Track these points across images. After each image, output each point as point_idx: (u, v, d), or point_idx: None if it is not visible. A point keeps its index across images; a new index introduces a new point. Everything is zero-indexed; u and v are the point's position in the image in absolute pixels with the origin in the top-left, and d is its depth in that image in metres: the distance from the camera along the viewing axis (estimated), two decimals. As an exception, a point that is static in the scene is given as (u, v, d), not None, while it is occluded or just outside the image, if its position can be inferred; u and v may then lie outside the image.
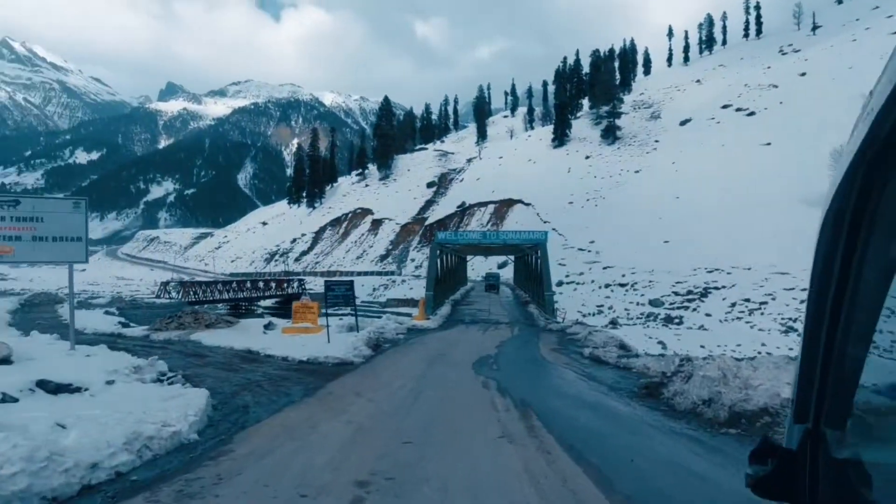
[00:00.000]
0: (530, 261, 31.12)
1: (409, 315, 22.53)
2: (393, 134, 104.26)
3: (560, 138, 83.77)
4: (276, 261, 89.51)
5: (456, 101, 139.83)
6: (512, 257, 45.89)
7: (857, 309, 0.77)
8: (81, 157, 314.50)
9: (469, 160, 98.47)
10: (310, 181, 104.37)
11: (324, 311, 16.37)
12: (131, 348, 12.86)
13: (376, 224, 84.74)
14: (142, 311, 31.24)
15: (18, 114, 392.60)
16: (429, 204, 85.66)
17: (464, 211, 76.29)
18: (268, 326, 16.15)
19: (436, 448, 4.90)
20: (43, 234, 10.53)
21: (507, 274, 52.50)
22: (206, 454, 4.62)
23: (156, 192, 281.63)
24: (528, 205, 68.71)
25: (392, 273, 69.19)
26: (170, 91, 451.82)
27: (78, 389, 5.90)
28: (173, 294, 41.50)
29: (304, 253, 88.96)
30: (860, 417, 0.81)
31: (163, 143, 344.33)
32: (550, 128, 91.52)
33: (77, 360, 9.52)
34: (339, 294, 14.44)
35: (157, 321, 16.74)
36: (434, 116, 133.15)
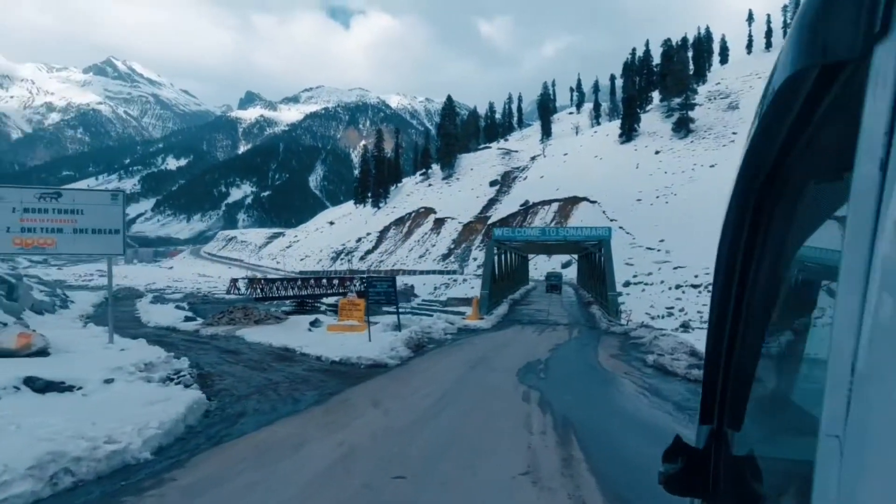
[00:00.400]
0: (594, 259, 29.30)
1: (466, 314, 21.62)
2: (456, 133, 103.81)
3: (628, 133, 79.94)
4: (341, 259, 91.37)
5: (520, 100, 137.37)
6: (575, 256, 43.85)
7: (748, 320, 0.83)
8: (171, 163, 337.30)
9: (533, 158, 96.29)
10: (375, 182, 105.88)
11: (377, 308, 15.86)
12: (176, 343, 12.72)
13: (439, 223, 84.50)
14: (210, 306, 32.17)
15: (120, 126, 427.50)
16: (491, 203, 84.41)
17: (527, 209, 74.45)
18: (314, 324, 15.73)
19: (432, 490, 3.93)
20: (83, 226, 10.47)
21: (571, 274, 50.41)
22: (139, 483, 3.91)
23: (235, 194, 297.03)
24: (593, 202, 65.96)
25: (454, 272, 68.60)
26: (248, 99, 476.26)
27: (70, 388, 5.41)
28: (242, 290, 42.82)
29: (368, 252, 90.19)
30: (753, 417, 0.85)
31: (242, 149, 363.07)
32: (618, 122, 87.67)
33: (110, 353, 9.27)
34: (380, 291, 13.73)
35: (211, 316, 16.75)
36: (498, 115, 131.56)
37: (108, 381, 5.82)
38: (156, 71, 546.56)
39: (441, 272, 69.31)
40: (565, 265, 56.42)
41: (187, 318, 21.45)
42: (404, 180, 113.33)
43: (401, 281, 66.53)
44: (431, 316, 18.30)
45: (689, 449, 0.94)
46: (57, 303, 25.53)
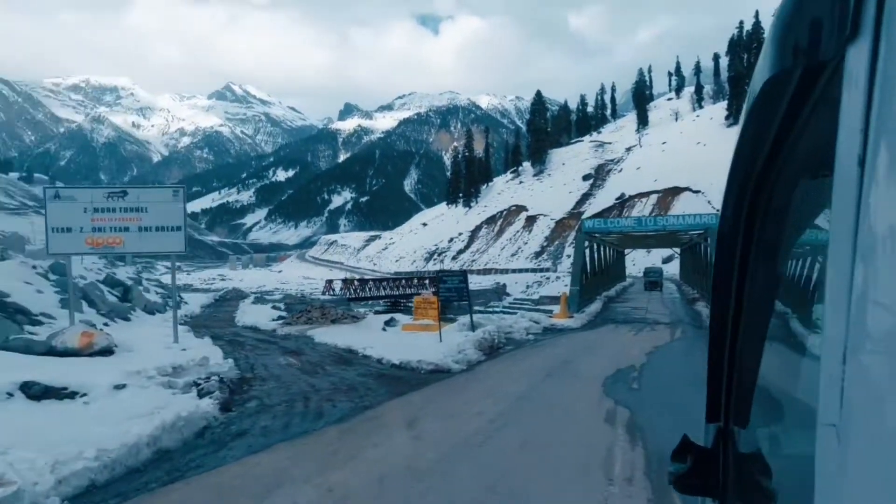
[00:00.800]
0: (698, 251, 26.16)
1: (553, 312, 19.97)
2: (546, 128, 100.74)
3: (735, 115, 72.54)
4: (434, 260, 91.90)
5: (613, 90, 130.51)
6: (677, 250, 40.06)
7: (750, 315, 0.83)
8: (281, 175, 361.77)
9: (628, 149, 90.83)
10: (466, 182, 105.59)
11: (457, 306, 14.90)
12: (246, 342, 12.47)
13: (530, 220, 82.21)
14: (304, 307, 32.89)
15: (238, 144, 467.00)
16: (585, 198, 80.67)
17: (623, 203, 70.10)
18: (389, 323, 14.99)
19: None
20: (148, 223, 10.40)
21: (672, 269, 46.33)
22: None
23: (336, 201, 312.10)
24: (696, 192, 60.51)
25: (546, 270, 66.20)
26: (347, 111, 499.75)
27: (72, 395, 4.85)
28: (337, 291, 43.97)
29: (460, 251, 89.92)
30: (759, 413, 0.85)
31: (342, 158, 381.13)
32: (723, 104, 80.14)
33: (167, 353, 9.02)
34: (451, 287, 12.65)
35: (290, 316, 16.60)
36: (590, 108, 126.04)
37: (119, 388, 5.30)
38: (266, 91, 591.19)
39: (533, 270, 67.21)
40: (666, 260, 52.10)
41: (277, 318, 21.77)
42: (495, 179, 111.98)
43: (492, 280, 65.50)
44: (515, 314, 16.88)
45: (697, 448, 0.92)
46: (170, 304, 27.23)
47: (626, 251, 42.79)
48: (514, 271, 68.72)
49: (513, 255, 77.46)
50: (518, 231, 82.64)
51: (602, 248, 27.42)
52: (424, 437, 4.80)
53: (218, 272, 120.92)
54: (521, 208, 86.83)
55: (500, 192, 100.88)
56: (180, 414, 4.57)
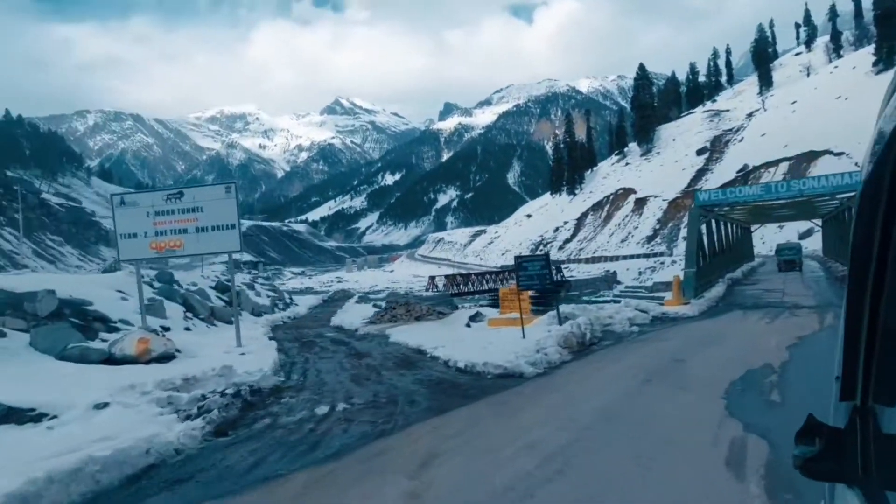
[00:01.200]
0: (845, 219, 21.62)
1: (665, 299, 17.29)
2: (652, 104, 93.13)
3: (886, 58, 61.26)
4: (540, 251, 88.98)
5: (728, 53, 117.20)
6: (817, 222, 34.13)
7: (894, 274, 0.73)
8: (388, 179, 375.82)
9: (749, 115, 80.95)
10: (568, 168, 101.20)
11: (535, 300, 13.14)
12: (321, 343, 11.76)
13: (640, 203, 76.36)
14: (392, 305, 32.53)
15: (348, 154, 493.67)
16: (700, 174, 73.21)
17: (746, 175, 62.31)
18: (474, 318, 13.62)
19: None
20: (204, 223, 10.00)
21: (814, 245, 39.81)
22: None
23: (442, 199, 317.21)
24: (838, 155, 51.87)
25: (660, 254, 60.88)
26: (447, 110, 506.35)
27: (39, 417, 4.08)
28: (440, 287, 43.53)
29: (566, 241, 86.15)
30: None
31: (444, 157, 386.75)
32: (868, 49, 68.20)
33: (227, 357, 8.43)
34: (532, 273, 10.90)
35: (375, 314, 15.87)
36: (701, 77, 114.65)
37: (99, 407, 4.52)
38: (371, 101, 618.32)
39: (646, 255, 62.15)
40: (803, 235, 45.09)
41: (370, 317, 21.40)
42: (599, 164, 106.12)
43: (601, 267, 61.62)
44: (619, 302, 14.67)
45: (826, 428, 0.83)
46: (279, 306, 28.20)
47: (753, 227, 37.49)
48: (624, 258, 64.17)
49: (623, 241, 72.41)
50: (627, 215, 77.16)
51: (723, 225, 23.75)
52: (423, 496, 3.34)
53: (335, 275, 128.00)
54: (628, 191, 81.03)
55: (606, 176, 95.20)
56: (130, 445, 3.61)
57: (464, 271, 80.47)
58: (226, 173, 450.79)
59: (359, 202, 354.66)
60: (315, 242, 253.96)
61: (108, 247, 38.23)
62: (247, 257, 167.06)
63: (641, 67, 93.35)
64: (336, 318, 20.81)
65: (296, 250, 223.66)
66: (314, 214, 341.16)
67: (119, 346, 8.05)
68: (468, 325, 12.77)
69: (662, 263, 55.06)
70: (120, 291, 11.36)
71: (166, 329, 10.52)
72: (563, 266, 70.11)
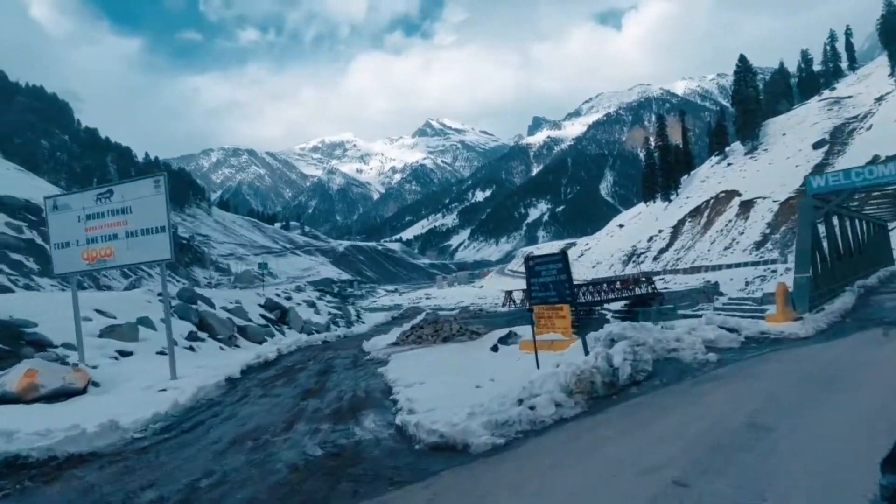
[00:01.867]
0: None
1: (767, 314, 13.49)
2: (756, 97, 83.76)
3: None
4: (633, 262, 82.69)
5: (848, 35, 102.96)
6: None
7: None
8: (479, 195, 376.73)
9: (879, 99, 69.83)
10: (661, 174, 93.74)
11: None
12: (307, 374, 9.90)
13: (746, 206, 68.22)
14: (477, 320, 30.37)
15: (440, 173, 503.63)
16: (818, 169, 63.73)
17: (878, 167, 53.00)
18: (505, 339, 11.15)
19: None
20: (134, 227, 8.54)
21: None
22: None
23: (533, 213, 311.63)
24: None
25: (772, 262, 53.30)
26: (535, 125, 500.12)
27: None
28: (517, 302, 40.79)
29: (662, 251, 79.18)
30: None
31: (534, 171, 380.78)
32: None
33: (147, 395, 6.82)
34: (546, 281, 8.28)
35: (400, 335, 13.88)
36: (816, 65, 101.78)
37: None
38: (460, 121, 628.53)
39: (755, 263, 54.74)
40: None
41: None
42: (698, 168, 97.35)
43: (702, 278, 55.22)
44: (699, 318, 11.39)
45: None
46: (340, 323, 27.23)
47: (891, 225, 30.92)
48: (728, 267, 57.15)
49: (726, 248, 64.80)
50: (730, 220, 69.19)
51: (848, 221, 19.04)
52: None
53: (425, 291, 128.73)
54: (731, 194, 72.86)
55: (704, 179, 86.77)
56: None
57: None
58: (327, 197, 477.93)
59: (450, 220, 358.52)
60: (409, 260, 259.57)
61: (202, 268, 40.07)
62: (344, 276, 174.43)
63: (742, 59, 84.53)
64: (373, 340, 19.19)
65: (390, 268, 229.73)
66: (408, 233, 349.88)
67: (2, 380, 6.71)
68: (495, 349, 10.34)
69: (774, 272, 47.89)
70: (101, 312, 10.45)
71: (127, 354, 9.33)
72: (656, 277, 64.08)
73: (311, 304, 24.02)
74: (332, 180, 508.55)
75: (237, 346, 12.67)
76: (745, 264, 55.12)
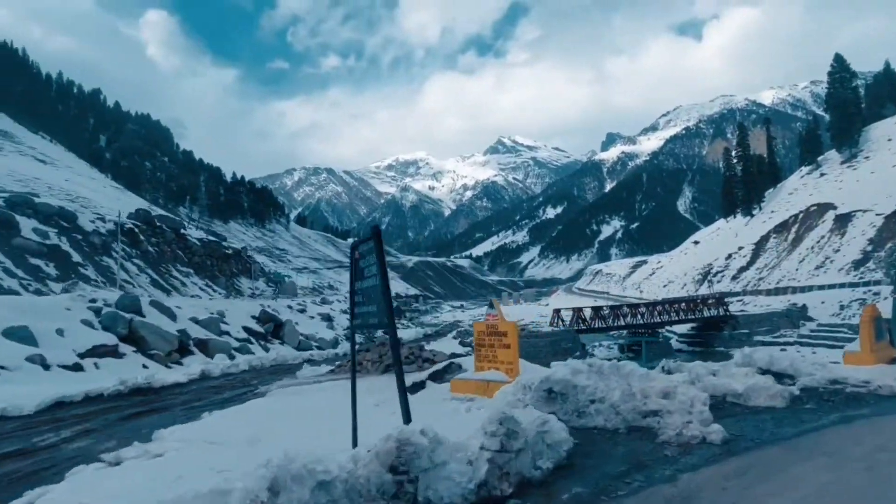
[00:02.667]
0: None
1: (845, 351, 9.84)
2: (856, 100, 74.51)
3: None
4: (708, 281, 75.54)
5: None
6: None
7: None
8: (550, 212, 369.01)
9: None
10: (743, 187, 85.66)
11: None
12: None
13: (842, 220, 60.02)
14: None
15: (511, 190, 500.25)
16: (934, 178, 54.98)
17: None
18: (440, 375, 8.52)
19: None
20: None
21: None
22: None
23: (606, 231, 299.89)
24: None
25: (875, 283, 45.81)
26: (609, 141, 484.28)
27: None
28: (566, 321, 37.40)
29: (742, 269, 71.59)
30: None
31: (607, 187, 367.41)
32: None
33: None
34: (367, 287, 4.25)
35: (337, 364, 11.44)
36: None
37: None
38: (532, 138, 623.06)
39: (853, 285, 47.31)
40: None
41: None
42: (785, 180, 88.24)
43: (787, 300, 48.64)
44: (742, 361, 8.26)
45: None
46: (345, 340, 25.48)
47: None
48: (820, 288, 49.99)
49: (818, 267, 57.05)
50: (823, 236, 61.08)
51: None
52: None
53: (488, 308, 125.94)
54: (825, 207, 64.53)
55: (793, 191, 78.09)
56: None
57: (614, 303, 71.50)
58: (400, 214, 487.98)
59: (521, 237, 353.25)
60: (477, 277, 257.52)
61: (249, 279, 40.28)
62: (412, 291, 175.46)
63: (838, 59, 75.70)
64: (317, 367, 17.07)
65: (458, 284, 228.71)
66: (478, 250, 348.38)
67: None
68: (416, 388, 7.60)
69: (877, 294, 40.79)
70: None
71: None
72: (734, 298, 57.62)
73: (327, 318, 22.47)
74: (405, 197, 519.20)
75: (178, 363, 11.15)
76: (841, 285, 47.85)
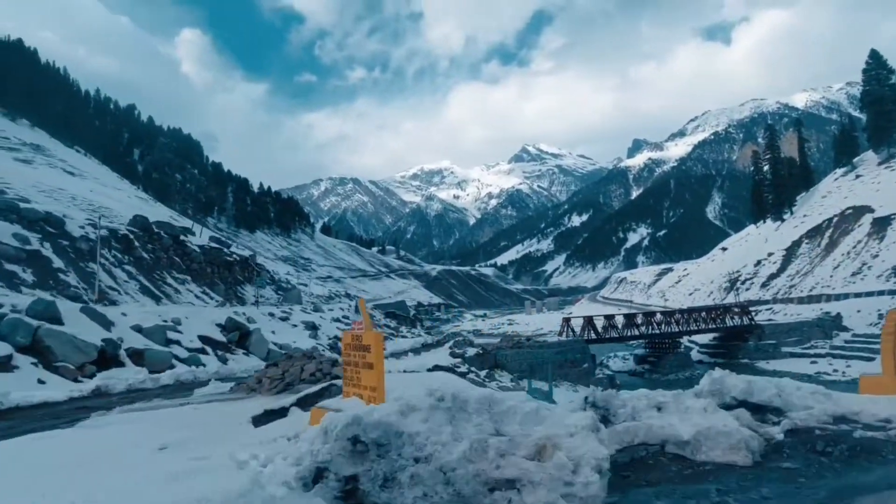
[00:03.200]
0: None
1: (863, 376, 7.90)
2: (893, 98, 70.14)
3: None
4: (736, 289, 71.83)
5: None
6: None
7: None
8: (575, 220, 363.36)
9: None
10: (773, 190, 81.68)
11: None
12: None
13: (880, 224, 56.14)
14: (511, 353, 26.03)
15: (536, 198, 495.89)
16: (982, 177, 50.88)
17: None
18: (304, 402, 6.85)
19: None
20: None
21: None
22: None
23: (632, 238, 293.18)
24: None
25: (918, 291, 42.27)
26: (636, 147, 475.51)
27: None
28: (576, 331, 35.36)
29: (772, 276, 67.84)
30: None
31: (634, 195, 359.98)
32: None
33: None
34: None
35: (239, 383, 9.82)
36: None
37: None
38: (557, 146, 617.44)
39: (892, 292, 43.79)
40: None
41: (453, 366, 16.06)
42: (818, 183, 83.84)
43: (820, 309, 45.34)
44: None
45: None
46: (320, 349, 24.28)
47: None
48: (857, 296, 46.53)
49: (854, 273, 53.30)
50: (860, 241, 57.20)
51: None
52: None
53: (510, 317, 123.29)
54: (861, 210, 60.59)
55: (827, 194, 73.90)
56: None
57: (631, 312, 68.48)
58: (424, 223, 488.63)
59: (546, 245, 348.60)
60: (501, 285, 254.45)
61: (252, 286, 39.61)
62: (435, 300, 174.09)
63: (874, 55, 71.54)
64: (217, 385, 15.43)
65: (482, 293, 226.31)
66: (502, 258, 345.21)
67: None
68: (262, 420, 5.83)
69: (920, 304, 37.42)
70: None
71: None
72: (763, 307, 54.36)
73: (312, 327, 21.15)
74: (430, 206, 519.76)
75: (93, 375, 9.93)
76: (880, 293, 44.36)
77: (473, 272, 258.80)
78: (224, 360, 13.70)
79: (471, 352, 21.03)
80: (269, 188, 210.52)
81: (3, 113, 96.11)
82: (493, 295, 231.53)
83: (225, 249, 35.62)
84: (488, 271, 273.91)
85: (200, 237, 36.41)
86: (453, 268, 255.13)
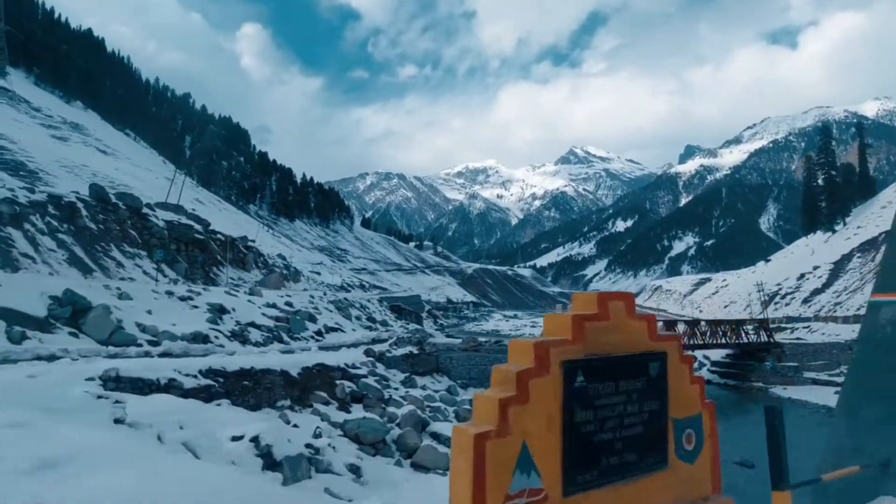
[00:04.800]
0: None
1: None
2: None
3: None
4: (775, 303, 64.77)
5: None
6: None
7: None
8: (620, 225, 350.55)
9: None
10: (827, 199, 73.52)
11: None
12: None
13: (946, 239, 48.25)
14: (462, 356, 22.76)
15: (580, 201, 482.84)
16: None
17: None
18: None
19: None
20: None
21: None
22: None
23: (678, 246, 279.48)
24: None
25: None
26: (688, 153, 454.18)
27: None
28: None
29: (815, 292, 60.63)
30: None
31: (683, 202, 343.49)
32: None
33: None
34: None
35: None
36: None
37: None
38: (605, 149, 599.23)
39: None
40: None
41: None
42: (879, 193, 74.82)
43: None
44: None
45: None
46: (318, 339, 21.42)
47: None
48: (909, 319, 39.62)
49: (910, 294, 45.98)
50: (921, 257, 49.54)
51: None
52: None
53: (533, 319, 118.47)
54: (925, 223, 52.60)
55: (886, 205, 65.53)
56: None
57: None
58: (466, 221, 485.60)
59: (587, 249, 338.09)
60: (537, 287, 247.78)
61: (244, 270, 37.66)
62: (468, 298, 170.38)
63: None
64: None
65: (517, 294, 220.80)
66: (542, 260, 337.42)
67: None
68: None
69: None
70: None
71: None
72: (800, 324, 47.97)
73: (220, 310, 18.25)
74: (473, 204, 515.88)
75: None
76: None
77: (510, 272, 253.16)
78: (18, 342, 11.04)
79: (399, 352, 17.67)
80: (312, 179, 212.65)
81: (59, 95, 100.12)
82: (528, 296, 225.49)
83: (201, 227, 33.80)
84: (525, 272, 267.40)
85: (182, 217, 34.70)
86: (489, 267, 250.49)
